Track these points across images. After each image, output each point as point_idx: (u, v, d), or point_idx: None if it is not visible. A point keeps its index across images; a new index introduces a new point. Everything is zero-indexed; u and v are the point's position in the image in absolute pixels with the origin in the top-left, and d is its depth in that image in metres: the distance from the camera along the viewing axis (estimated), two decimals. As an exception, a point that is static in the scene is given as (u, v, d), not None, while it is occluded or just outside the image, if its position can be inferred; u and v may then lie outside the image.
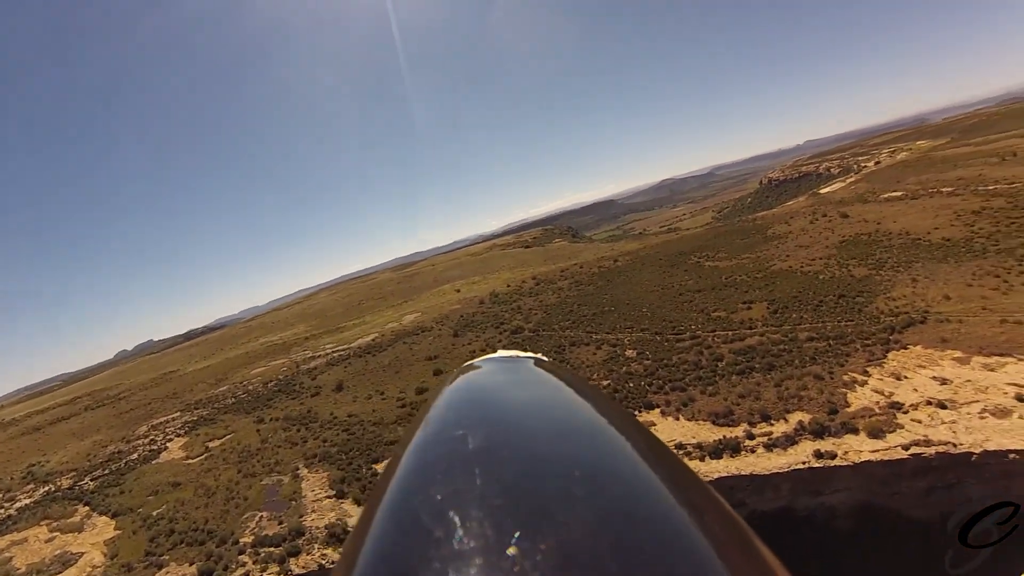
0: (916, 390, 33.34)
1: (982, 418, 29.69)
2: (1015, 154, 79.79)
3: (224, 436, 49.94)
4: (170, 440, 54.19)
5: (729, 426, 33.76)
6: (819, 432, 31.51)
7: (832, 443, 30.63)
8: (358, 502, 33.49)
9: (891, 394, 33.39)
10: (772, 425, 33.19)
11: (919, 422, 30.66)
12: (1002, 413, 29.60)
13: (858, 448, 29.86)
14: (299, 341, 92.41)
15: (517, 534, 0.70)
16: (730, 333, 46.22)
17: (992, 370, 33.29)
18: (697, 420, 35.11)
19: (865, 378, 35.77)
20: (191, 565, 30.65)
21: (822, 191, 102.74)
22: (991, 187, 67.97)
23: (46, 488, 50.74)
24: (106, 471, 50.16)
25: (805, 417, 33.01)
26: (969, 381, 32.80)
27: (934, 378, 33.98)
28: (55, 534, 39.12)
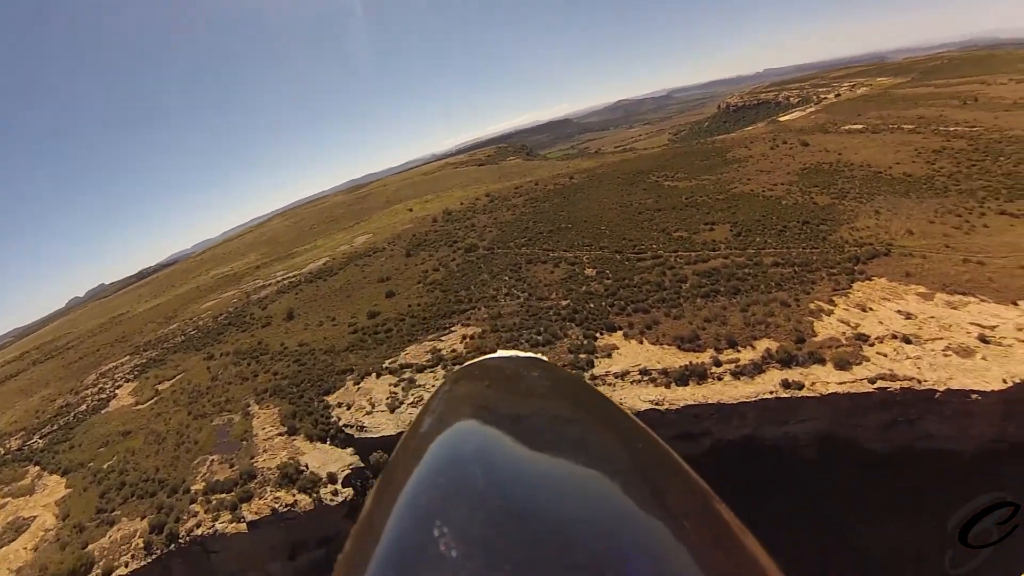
0: (881, 323, 34.09)
1: (946, 356, 30.74)
2: (976, 99, 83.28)
3: (174, 377, 50.09)
4: (119, 387, 53.94)
5: (695, 351, 33.12)
6: (786, 361, 31.54)
7: (799, 373, 30.79)
8: (310, 438, 33.55)
9: (857, 325, 33.95)
10: (739, 352, 32.89)
11: (885, 356, 31.38)
12: (965, 352, 30.77)
13: (825, 379, 30.19)
14: (250, 271, 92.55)
15: (517, 549, 0.76)
16: (693, 254, 45.50)
17: (955, 308, 34.54)
18: (662, 344, 34.20)
19: (831, 307, 36.20)
20: (142, 519, 30.45)
21: (782, 119, 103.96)
22: (952, 128, 70.59)
23: (-6, 452, 48.81)
24: (55, 427, 50.00)
25: (772, 345, 32.94)
26: (933, 317, 33.90)
27: (899, 312, 34.86)
28: (6, 500, 38.11)
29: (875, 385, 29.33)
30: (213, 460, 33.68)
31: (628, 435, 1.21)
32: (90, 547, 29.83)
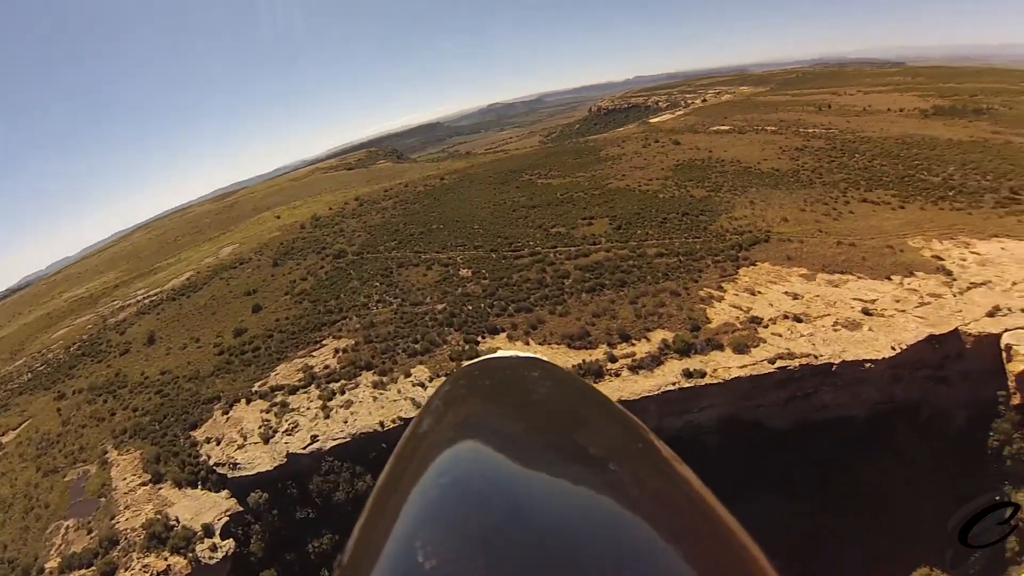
0: (772, 305, 35.62)
1: (835, 330, 32.69)
2: (830, 106, 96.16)
3: (19, 425, 46.84)
4: (-45, 445, 47.84)
5: (587, 348, 32.12)
6: (684, 350, 31.48)
7: (699, 361, 30.81)
8: (178, 484, 31.81)
9: (749, 309, 35.15)
10: (634, 345, 32.32)
11: (780, 335, 32.59)
12: (853, 326, 32.95)
13: (726, 364, 30.47)
14: (108, 291, 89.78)
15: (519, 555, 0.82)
16: (573, 249, 45.44)
17: (836, 286, 37.25)
18: (550, 344, 32.83)
19: (721, 294, 37.32)
20: (-11, 618, 27.36)
21: (652, 121, 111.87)
22: (810, 130, 79.97)
23: None
24: None
25: (668, 335, 32.88)
26: (818, 296, 36.17)
27: (786, 293, 36.79)
28: None
29: (775, 365, 30.17)
30: (68, 527, 31.23)
31: (628, 436, 1.28)
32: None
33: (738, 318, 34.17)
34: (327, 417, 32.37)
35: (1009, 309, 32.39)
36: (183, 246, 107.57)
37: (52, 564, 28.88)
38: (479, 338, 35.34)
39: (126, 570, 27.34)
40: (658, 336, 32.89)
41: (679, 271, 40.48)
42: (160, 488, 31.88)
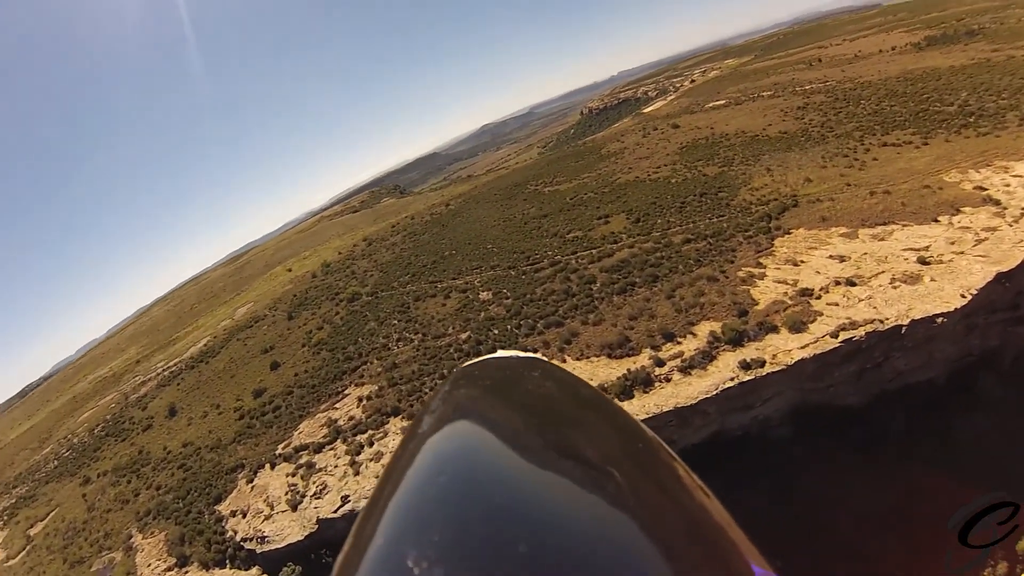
0: (819, 272, 33.22)
1: (895, 288, 30.16)
2: (820, 60, 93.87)
3: (47, 516, 47.46)
4: (-16, 542, 48.64)
5: (629, 356, 29.91)
6: (736, 340, 29.17)
7: (755, 349, 28.44)
8: (205, 565, 31.08)
9: (796, 281, 32.77)
10: (680, 344, 30.08)
11: (836, 305, 30.13)
12: (912, 279, 30.40)
13: (786, 347, 28.04)
14: (130, 367, 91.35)
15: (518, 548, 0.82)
16: (594, 251, 43.43)
17: (882, 239, 34.76)
18: (588, 357, 30.72)
19: (762, 270, 34.99)
20: None
21: (645, 111, 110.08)
22: (807, 87, 77.57)
23: None
24: None
25: (715, 326, 30.58)
26: (866, 254, 33.68)
27: (831, 257, 34.36)
28: None
29: (839, 339, 27.68)
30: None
31: (629, 436, 1.28)
32: None
33: (786, 293, 31.81)
34: (357, 473, 30.80)
35: (1076, 228, 30.20)
36: (200, 312, 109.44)
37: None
38: (509, 364, 33.56)
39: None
40: (705, 329, 30.62)
41: (711, 254, 38.26)
42: (187, 572, 31.15)
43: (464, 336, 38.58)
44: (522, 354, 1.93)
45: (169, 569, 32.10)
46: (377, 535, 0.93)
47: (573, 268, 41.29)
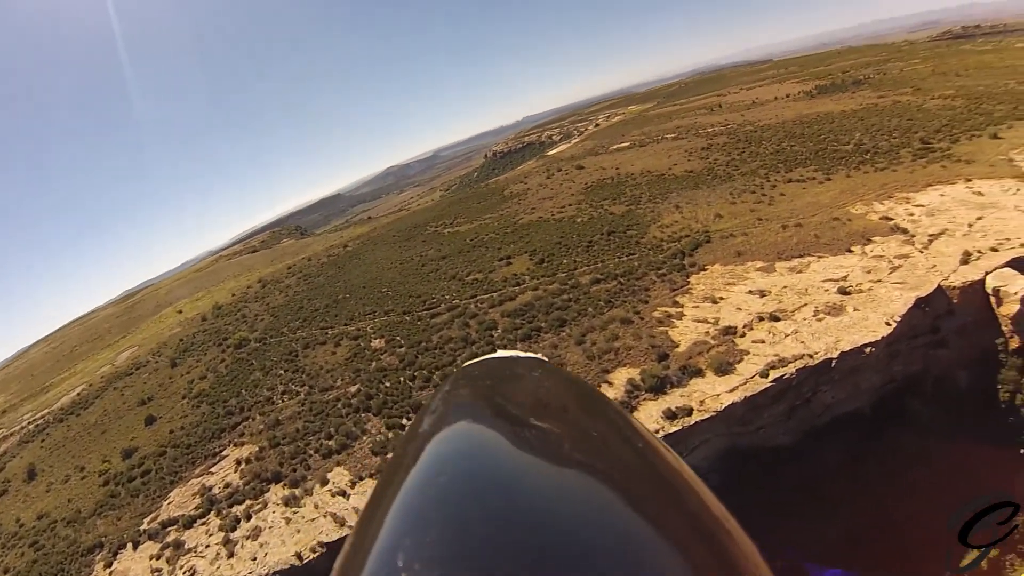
0: (740, 309, 30.88)
1: (819, 320, 28.21)
2: (720, 106, 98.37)
3: None
4: None
5: (537, 411, 25.82)
6: (658, 387, 25.87)
7: (680, 395, 25.19)
8: None
9: (717, 320, 30.20)
10: (594, 394, 26.49)
11: (762, 342, 27.63)
12: (836, 310, 28.61)
13: (714, 392, 24.97)
14: None
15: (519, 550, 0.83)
16: (495, 295, 39.76)
17: (800, 272, 33.21)
18: (489, 415, 26.33)
19: (679, 309, 32.30)
20: None
21: (550, 153, 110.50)
22: (709, 130, 79.81)
23: None
24: None
25: (633, 373, 27.28)
26: (786, 287, 31.86)
27: (751, 292, 32.25)
28: None
29: (770, 378, 25.00)
30: None
31: (628, 436, 1.29)
32: None
33: (708, 333, 29.08)
34: (231, 555, 25.35)
35: (979, 251, 30.13)
36: (80, 356, 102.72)
37: None
38: (403, 420, 29.38)
39: None
40: (622, 376, 27.18)
41: (623, 295, 35.41)
42: None
43: (353, 389, 34.40)
44: (523, 354, 1.95)
45: None
46: (377, 535, 0.93)
47: (472, 313, 37.36)
